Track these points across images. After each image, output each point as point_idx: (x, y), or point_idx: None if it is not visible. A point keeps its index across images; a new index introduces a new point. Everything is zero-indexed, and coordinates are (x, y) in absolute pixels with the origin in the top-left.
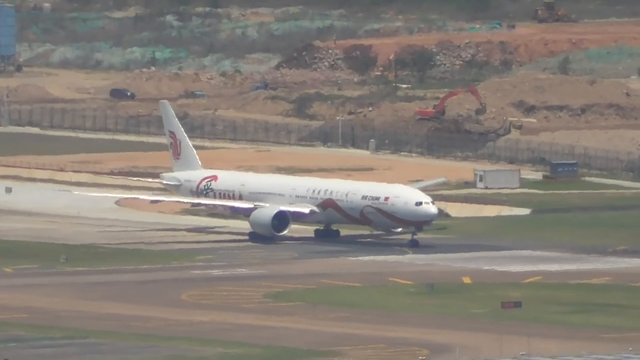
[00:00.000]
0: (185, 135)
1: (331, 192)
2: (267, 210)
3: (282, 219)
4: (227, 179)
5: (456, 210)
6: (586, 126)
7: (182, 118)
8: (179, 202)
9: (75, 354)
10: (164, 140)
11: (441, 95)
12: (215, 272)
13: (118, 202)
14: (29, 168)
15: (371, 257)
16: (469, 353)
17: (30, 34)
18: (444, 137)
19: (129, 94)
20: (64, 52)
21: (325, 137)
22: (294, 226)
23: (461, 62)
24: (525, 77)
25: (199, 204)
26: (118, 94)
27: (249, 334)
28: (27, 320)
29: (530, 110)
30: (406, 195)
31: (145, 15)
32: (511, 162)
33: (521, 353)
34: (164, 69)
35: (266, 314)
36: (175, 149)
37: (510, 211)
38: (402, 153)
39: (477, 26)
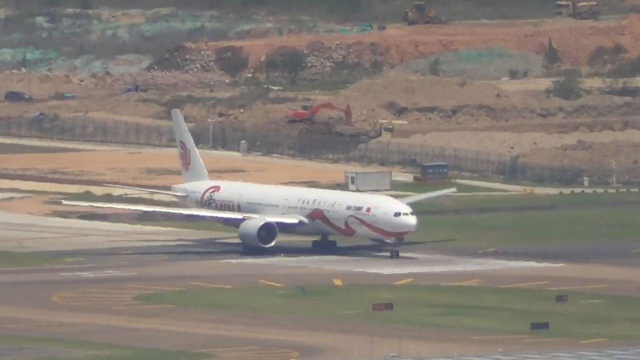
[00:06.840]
0: (194, 145)
1: (319, 202)
2: (254, 222)
3: (269, 231)
4: (229, 189)
5: None
6: (457, 128)
7: (52, 120)
8: (180, 214)
9: None
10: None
11: (312, 97)
12: (86, 274)
13: None
14: None
15: (241, 260)
16: (339, 355)
17: None
18: (315, 139)
19: (27, 96)
20: None
21: (196, 138)
22: (290, 238)
23: (332, 64)
24: (396, 79)
25: (196, 216)
26: (15, 96)
27: (119, 336)
28: None
29: (401, 111)
30: (386, 206)
31: (15, 16)
32: (382, 164)
33: (392, 355)
34: (35, 70)
35: (136, 316)
36: (185, 159)
37: None
38: (273, 155)
39: (348, 28)
